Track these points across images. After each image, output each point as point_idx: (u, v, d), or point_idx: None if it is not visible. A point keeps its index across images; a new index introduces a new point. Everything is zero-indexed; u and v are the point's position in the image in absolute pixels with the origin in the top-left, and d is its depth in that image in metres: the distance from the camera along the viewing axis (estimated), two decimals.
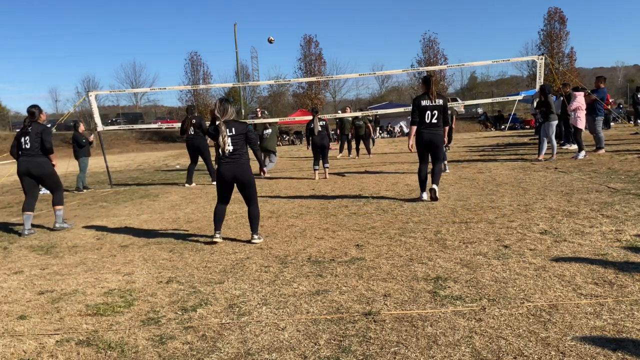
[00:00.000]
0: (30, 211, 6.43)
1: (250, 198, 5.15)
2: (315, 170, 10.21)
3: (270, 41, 14.28)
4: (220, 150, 4.95)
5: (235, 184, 5.10)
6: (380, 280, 3.69)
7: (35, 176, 6.43)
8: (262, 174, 5.49)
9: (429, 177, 6.80)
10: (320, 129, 10.12)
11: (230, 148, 4.92)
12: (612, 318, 2.80)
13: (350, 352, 2.61)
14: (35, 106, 6.58)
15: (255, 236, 5.10)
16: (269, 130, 11.71)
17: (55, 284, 4.12)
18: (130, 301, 3.60)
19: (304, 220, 6.01)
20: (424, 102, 6.61)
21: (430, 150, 6.73)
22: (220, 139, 4.90)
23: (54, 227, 6.50)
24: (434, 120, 6.62)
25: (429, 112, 6.59)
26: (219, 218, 5.19)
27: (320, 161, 10.31)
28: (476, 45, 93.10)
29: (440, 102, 6.66)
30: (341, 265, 4.12)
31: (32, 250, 5.45)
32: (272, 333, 2.92)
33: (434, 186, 6.63)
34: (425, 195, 6.75)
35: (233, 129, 4.95)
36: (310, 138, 10.25)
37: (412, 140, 6.80)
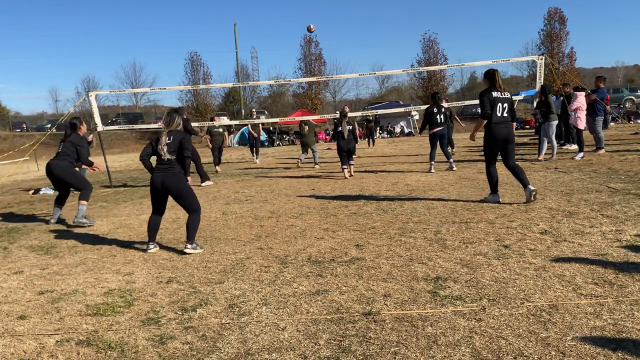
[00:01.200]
0: (58, 205, 7.03)
1: (187, 207, 4.94)
2: (344, 169, 10.24)
3: (310, 30, 14.16)
4: (157, 159, 4.98)
5: (169, 195, 4.95)
6: (380, 280, 3.69)
7: (57, 177, 6.84)
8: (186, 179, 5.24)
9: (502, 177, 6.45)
10: (347, 133, 10.16)
11: (167, 157, 4.90)
12: (612, 318, 2.80)
13: (350, 352, 2.61)
14: (76, 118, 7.25)
15: (189, 245, 4.81)
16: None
17: (55, 284, 4.12)
18: (130, 301, 3.60)
19: (304, 220, 6.01)
20: (495, 94, 6.05)
21: (505, 148, 6.15)
22: (159, 147, 4.93)
23: (72, 222, 6.71)
24: (505, 114, 6.10)
25: (500, 104, 6.03)
26: (152, 228, 5.04)
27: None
28: (476, 45, 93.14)
29: (508, 95, 6.20)
30: (341, 265, 4.12)
31: (32, 250, 5.45)
32: (272, 333, 2.92)
33: (531, 186, 6.04)
34: (499, 198, 6.29)
35: (171, 137, 4.96)
36: (337, 142, 10.36)
37: (477, 133, 6.53)
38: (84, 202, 6.74)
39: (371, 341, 2.73)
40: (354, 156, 10.36)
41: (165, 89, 13.85)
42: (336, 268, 4.05)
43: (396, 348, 2.63)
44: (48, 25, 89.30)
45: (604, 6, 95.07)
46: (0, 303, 3.75)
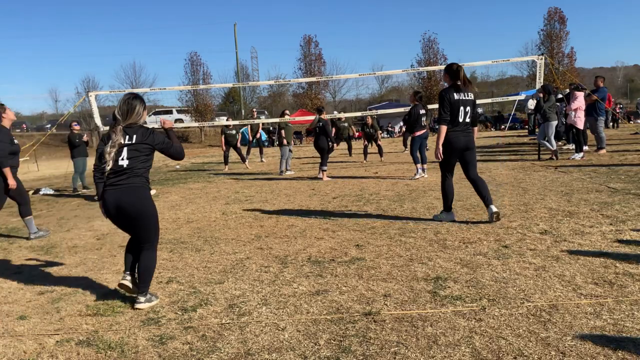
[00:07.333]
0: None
1: (142, 237, 3.53)
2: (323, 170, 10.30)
3: None
4: (105, 168, 3.42)
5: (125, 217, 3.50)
6: (380, 280, 3.69)
7: None
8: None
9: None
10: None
11: (125, 163, 3.41)
12: (612, 318, 2.80)
13: (350, 352, 2.61)
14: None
15: (142, 298, 3.42)
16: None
17: (55, 284, 4.12)
18: (130, 301, 3.60)
19: (304, 220, 6.01)
20: (457, 96, 5.20)
21: (463, 156, 5.37)
22: (107, 149, 3.41)
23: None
24: (467, 119, 5.26)
25: (462, 108, 5.20)
26: (128, 257, 3.70)
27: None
28: (476, 45, 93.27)
29: (471, 95, 5.31)
30: (341, 265, 4.12)
31: (32, 250, 5.45)
32: (272, 333, 2.92)
33: (493, 207, 5.20)
34: (454, 216, 5.51)
35: (134, 136, 3.47)
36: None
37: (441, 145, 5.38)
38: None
39: (371, 341, 2.73)
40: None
41: (165, 89, 13.90)
42: (336, 268, 4.05)
43: (396, 348, 2.63)
44: (48, 25, 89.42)
45: (604, 6, 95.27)
46: (0, 303, 3.75)
